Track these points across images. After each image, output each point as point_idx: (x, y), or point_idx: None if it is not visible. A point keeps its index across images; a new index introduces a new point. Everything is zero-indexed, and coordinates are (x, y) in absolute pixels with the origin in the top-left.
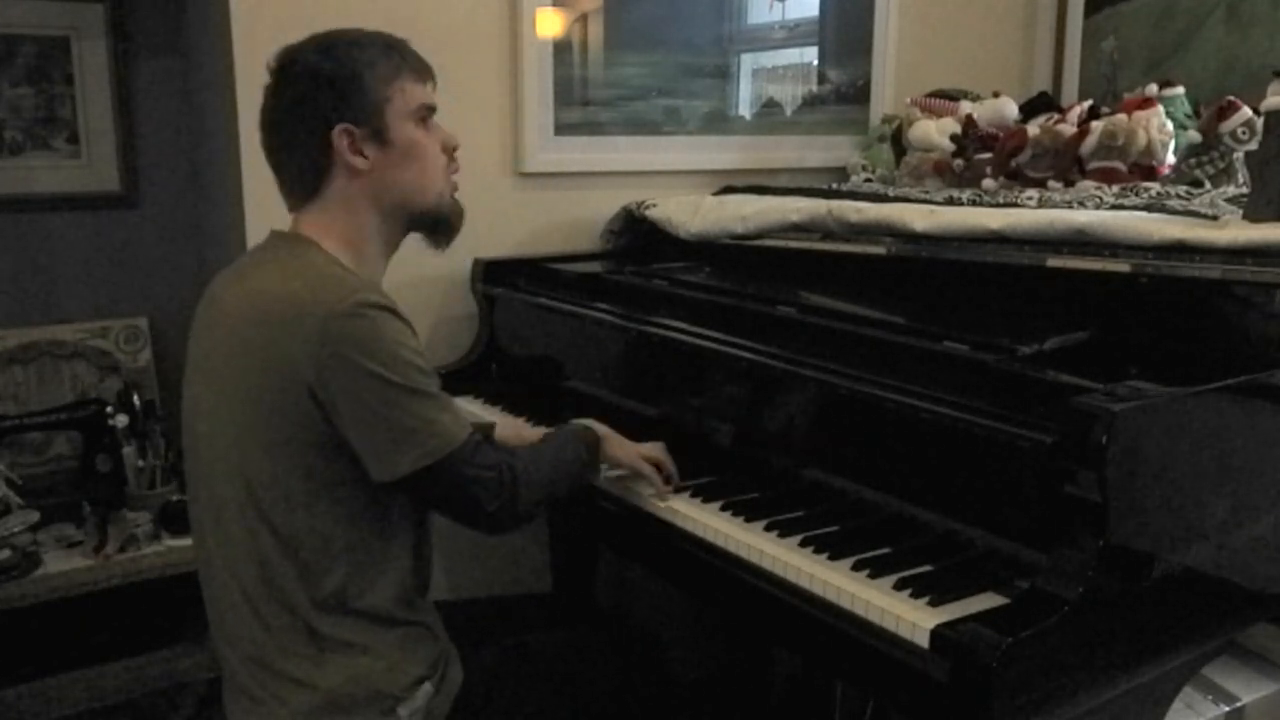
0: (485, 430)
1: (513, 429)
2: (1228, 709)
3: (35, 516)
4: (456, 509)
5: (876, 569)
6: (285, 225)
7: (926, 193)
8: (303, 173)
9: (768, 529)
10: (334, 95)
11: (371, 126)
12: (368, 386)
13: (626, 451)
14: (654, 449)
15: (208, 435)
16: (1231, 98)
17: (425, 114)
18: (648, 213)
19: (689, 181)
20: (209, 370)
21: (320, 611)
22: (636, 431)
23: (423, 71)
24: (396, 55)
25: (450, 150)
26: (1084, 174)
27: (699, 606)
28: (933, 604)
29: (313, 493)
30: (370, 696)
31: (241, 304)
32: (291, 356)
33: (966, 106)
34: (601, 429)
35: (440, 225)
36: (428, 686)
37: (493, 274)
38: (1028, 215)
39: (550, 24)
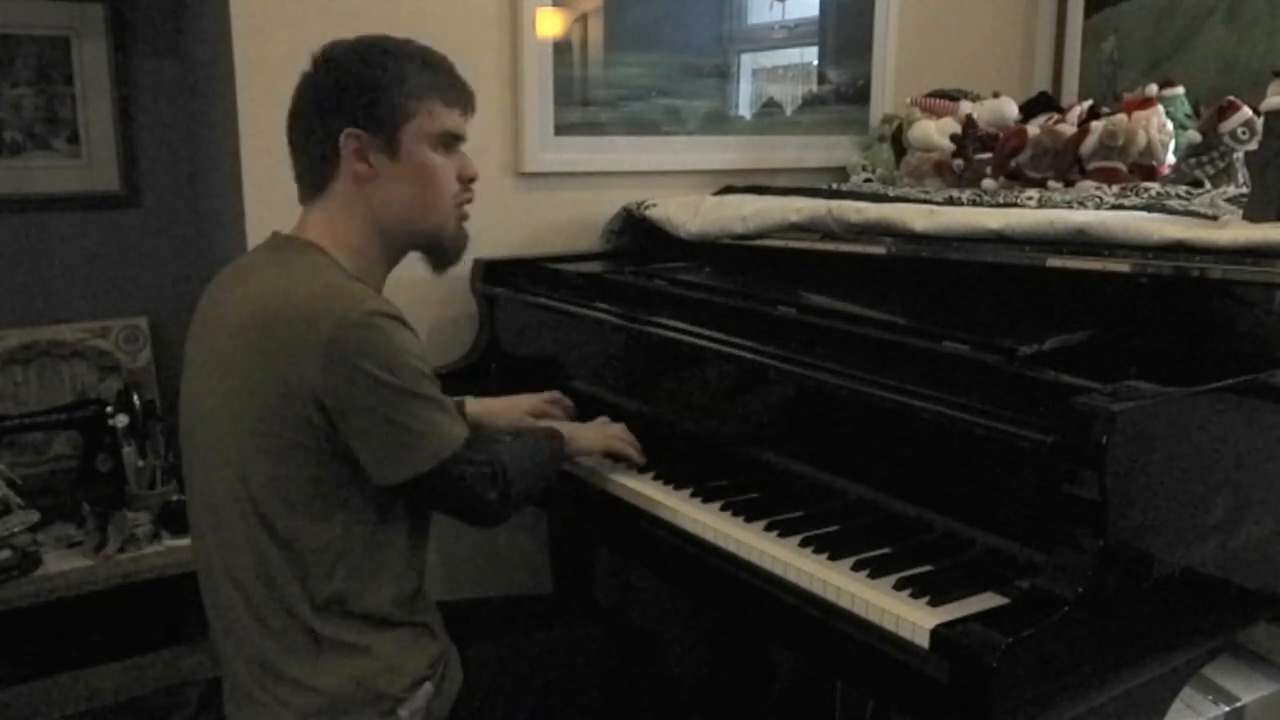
0: (458, 407)
1: (480, 405)
2: (1228, 709)
3: (35, 516)
4: (456, 506)
5: (876, 569)
6: (285, 225)
7: (926, 193)
8: (311, 167)
9: (768, 529)
10: (354, 99)
11: (383, 137)
12: (378, 394)
13: (592, 440)
14: (617, 428)
15: (207, 436)
16: (1231, 98)
17: (448, 140)
18: (648, 213)
19: (689, 181)
20: (209, 371)
21: (320, 613)
22: (636, 431)
23: (457, 98)
24: (432, 75)
25: (466, 180)
26: (1084, 174)
27: (699, 606)
28: (933, 604)
29: (312, 497)
30: (371, 698)
31: (245, 307)
32: (298, 363)
33: (966, 106)
34: (564, 428)
35: (436, 250)
36: (428, 687)
37: (493, 274)
38: (1028, 215)
39: (550, 24)
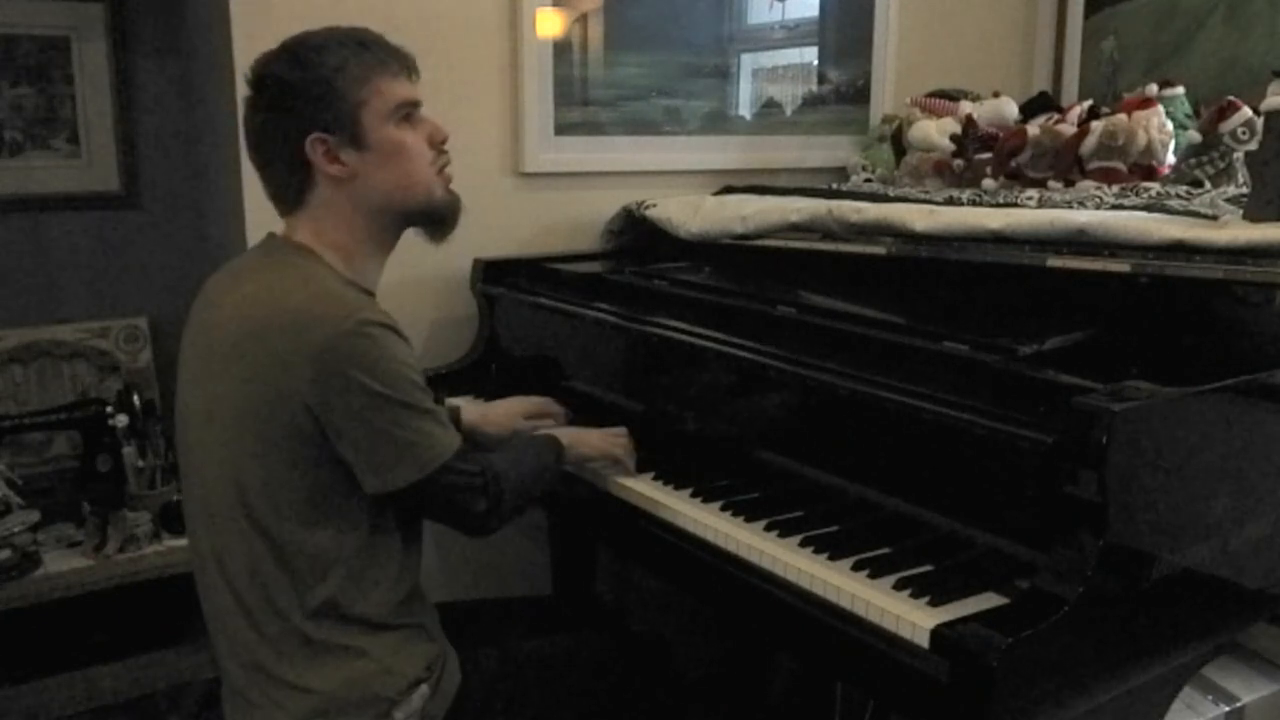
0: (452, 414)
1: (477, 411)
2: (1228, 709)
3: (35, 516)
4: (448, 515)
5: (876, 569)
6: (282, 227)
7: (926, 193)
8: (285, 184)
9: (768, 529)
10: (305, 105)
11: (347, 132)
12: (369, 404)
13: (592, 446)
14: (619, 433)
15: (200, 440)
16: (1231, 98)
17: (407, 110)
18: (648, 213)
19: (689, 181)
20: (202, 375)
21: (313, 618)
22: (636, 432)
23: (400, 66)
24: (369, 54)
25: (437, 143)
26: (1084, 174)
27: (699, 607)
28: (933, 604)
29: (305, 502)
30: (366, 700)
31: (238, 310)
32: (290, 370)
33: (966, 106)
34: (564, 435)
35: (433, 221)
36: (424, 689)
37: (493, 274)
38: (1028, 215)
39: (550, 24)
